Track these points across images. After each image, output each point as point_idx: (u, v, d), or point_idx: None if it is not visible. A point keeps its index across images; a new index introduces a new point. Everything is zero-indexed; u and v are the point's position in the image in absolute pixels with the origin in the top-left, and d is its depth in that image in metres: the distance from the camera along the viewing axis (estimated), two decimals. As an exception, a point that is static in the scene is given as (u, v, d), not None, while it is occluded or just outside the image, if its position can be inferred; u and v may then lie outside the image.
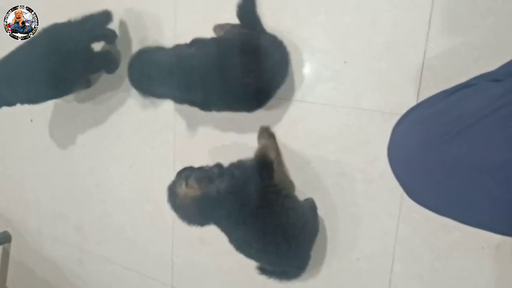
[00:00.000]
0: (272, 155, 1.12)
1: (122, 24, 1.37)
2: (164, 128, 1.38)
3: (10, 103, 1.38)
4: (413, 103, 0.96)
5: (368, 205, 1.08)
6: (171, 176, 1.38)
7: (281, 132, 1.16)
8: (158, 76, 1.15)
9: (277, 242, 1.04)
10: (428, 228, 1.01)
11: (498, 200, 0.58)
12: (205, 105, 1.14)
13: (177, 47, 1.17)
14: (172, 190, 1.08)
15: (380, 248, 1.08)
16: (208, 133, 1.28)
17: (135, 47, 1.36)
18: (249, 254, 1.11)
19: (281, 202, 1.06)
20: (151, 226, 1.50)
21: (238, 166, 1.09)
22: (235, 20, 1.14)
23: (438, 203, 0.69)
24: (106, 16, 1.30)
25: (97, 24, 1.30)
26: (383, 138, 1.00)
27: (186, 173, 1.08)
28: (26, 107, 1.42)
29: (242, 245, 1.09)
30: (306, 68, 1.10)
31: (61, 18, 1.31)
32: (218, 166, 1.10)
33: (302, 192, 1.15)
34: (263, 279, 1.14)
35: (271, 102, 1.10)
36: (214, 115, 1.17)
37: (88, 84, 1.48)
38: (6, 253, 2.05)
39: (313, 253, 1.10)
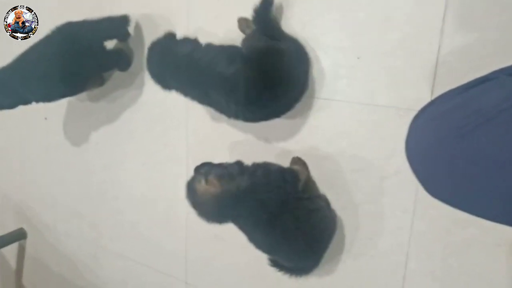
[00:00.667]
0: (302, 177, 1.10)
1: (134, 21, 1.38)
2: (176, 125, 1.39)
3: (26, 102, 1.40)
4: (427, 99, 0.96)
5: (383, 201, 1.07)
6: (183, 173, 1.40)
7: (296, 129, 1.16)
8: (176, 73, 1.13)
9: (298, 245, 1.04)
10: (442, 224, 1.01)
11: None
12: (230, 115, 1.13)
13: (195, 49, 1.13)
14: (191, 186, 1.05)
15: (394, 245, 1.08)
16: (220, 130, 1.29)
17: (148, 44, 1.37)
18: (267, 252, 1.12)
19: (303, 205, 1.05)
20: (164, 222, 1.51)
21: (262, 166, 1.07)
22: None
23: (456, 197, 0.68)
24: (124, 20, 1.32)
25: (115, 26, 1.31)
26: (398, 134, 1.01)
27: (205, 169, 1.05)
28: (41, 105, 1.44)
29: (261, 245, 1.09)
30: (320, 65, 1.09)
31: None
32: (239, 163, 1.08)
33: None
34: (277, 274, 1.15)
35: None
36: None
37: (101, 82, 1.49)
38: (22, 249, 2.08)
39: (328, 249, 1.11)
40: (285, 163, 1.16)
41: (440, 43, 0.95)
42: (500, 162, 0.58)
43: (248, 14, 1.10)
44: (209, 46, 1.12)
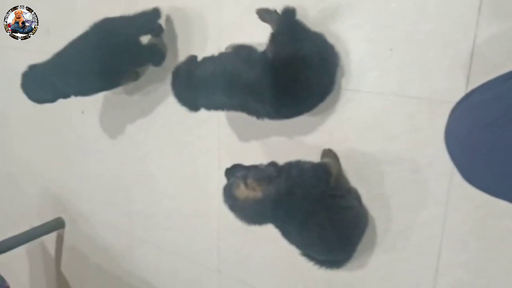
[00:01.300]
0: (333, 171, 1.10)
1: (167, 17, 1.41)
2: (208, 118, 1.41)
3: (65, 96, 1.46)
4: (462, 90, 0.95)
5: (415, 193, 1.07)
6: (215, 165, 1.43)
7: (325, 122, 1.16)
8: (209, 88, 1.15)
9: (332, 242, 1.06)
10: (477, 216, 1.00)
11: None
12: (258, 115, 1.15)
13: (222, 58, 1.15)
14: (230, 192, 1.05)
15: (427, 237, 1.07)
16: (251, 123, 1.30)
17: (180, 40, 1.40)
18: (300, 248, 1.13)
19: (336, 203, 1.05)
20: (197, 213, 1.54)
21: (295, 165, 1.07)
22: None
23: (496, 185, 0.68)
24: (156, 12, 1.35)
25: (148, 19, 1.34)
26: (431, 126, 1.01)
27: (242, 173, 1.06)
28: (78, 99, 1.49)
29: (294, 242, 1.11)
30: (351, 57, 1.09)
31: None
32: (274, 164, 1.08)
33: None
34: (307, 266, 1.16)
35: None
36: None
37: (136, 76, 1.53)
38: (60, 239, 2.16)
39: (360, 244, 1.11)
40: (315, 156, 1.17)
41: (476, 34, 0.93)
42: None
43: (280, 4, 1.11)
44: (226, 57, 1.14)
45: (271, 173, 1.04)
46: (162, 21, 1.40)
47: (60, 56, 1.39)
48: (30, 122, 2.07)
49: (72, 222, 2.06)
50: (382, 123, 1.08)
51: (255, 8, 1.19)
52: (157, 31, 1.41)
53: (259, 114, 1.14)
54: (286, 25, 1.09)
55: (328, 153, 1.15)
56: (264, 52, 1.11)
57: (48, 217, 2.11)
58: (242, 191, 1.02)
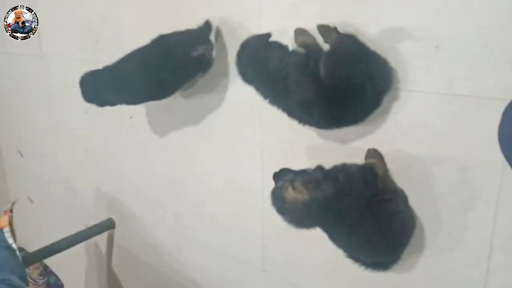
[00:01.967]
0: (380, 172, 1.10)
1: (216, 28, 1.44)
2: (251, 122, 1.44)
3: (113, 104, 1.53)
4: (511, 86, 0.93)
5: (464, 193, 1.05)
6: (258, 167, 1.45)
7: (369, 122, 1.16)
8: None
9: (379, 246, 1.06)
10: (530, 216, 0.97)
11: None
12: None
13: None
14: (278, 195, 1.08)
15: (477, 237, 1.05)
16: (293, 125, 1.32)
17: (223, 48, 1.44)
18: (347, 252, 1.15)
19: (385, 208, 1.05)
20: (241, 214, 1.58)
21: (342, 169, 1.08)
22: (322, 14, 1.16)
23: None
24: (208, 26, 1.38)
25: (202, 34, 1.38)
26: (479, 124, 0.99)
27: (289, 176, 1.08)
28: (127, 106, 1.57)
29: (341, 245, 1.12)
30: (396, 56, 1.09)
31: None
32: (320, 168, 1.10)
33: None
34: (354, 266, 1.16)
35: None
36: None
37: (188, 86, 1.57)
38: (111, 239, 2.25)
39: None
40: (359, 157, 1.17)
41: (525, 28, 0.91)
42: None
43: (320, 14, 1.12)
44: (292, 56, 1.15)
45: (318, 178, 1.05)
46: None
47: (114, 69, 1.46)
48: (83, 129, 2.18)
49: (122, 222, 2.14)
50: (429, 122, 1.07)
51: (294, 13, 1.20)
52: (207, 45, 1.42)
53: (300, 120, 1.17)
54: (345, 47, 1.08)
55: (373, 154, 1.15)
56: (317, 64, 1.10)
57: (99, 218, 2.21)
58: (290, 194, 1.04)
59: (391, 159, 1.14)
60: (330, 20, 1.14)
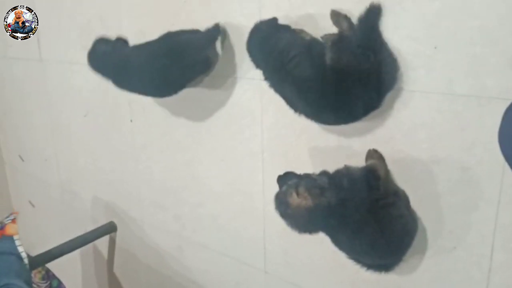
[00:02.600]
0: (381, 173, 1.09)
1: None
2: (251, 123, 1.44)
3: (115, 84, 1.50)
4: (511, 86, 0.93)
5: (465, 193, 1.05)
6: (259, 168, 1.45)
7: (369, 122, 1.16)
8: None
9: (382, 250, 1.06)
10: (531, 215, 0.97)
11: None
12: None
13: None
14: (282, 199, 1.08)
15: (478, 237, 1.05)
16: (294, 126, 1.32)
17: (231, 50, 1.44)
18: (350, 255, 1.14)
19: (387, 212, 1.05)
20: (243, 215, 1.58)
21: (346, 174, 1.08)
22: (321, 15, 1.16)
23: None
24: (217, 28, 1.38)
25: (211, 37, 1.37)
26: (479, 124, 0.99)
27: (294, 181, 1.08)
28: (126, 109, 1.56)
29: (344, 249, 1.13)
30: (396, 56, 1.08)
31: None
32: (325, 173, 1.10)
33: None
34: (355, 267, 1.16)
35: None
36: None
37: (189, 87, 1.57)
38: (112, 242, 2.25)
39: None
40: (360, 157, 1.17)
41: (525, 27, 0.91)
42: None
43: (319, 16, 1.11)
44: (297, 39, 1.14)
45: (323, 184, 1.05)
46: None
47: (129, 56, 1.44)
48: (83, 132, 2.17)
49: (123, 225, 2.14)
50: (429, 122, 1.07)
51: (293, 12, 1.20)
52: (214, 48, 1.41)
53: (297, 109, 1.15)
54: (365, 29, 1.06)
55: (373, 154, 1.15)
56: (322, 49, 1.08)
57: (101, 221, 2.21)
58: (294, 199, 1.04)
59: (391, 159, 1.14)
60: (327, 23, 1.14)
